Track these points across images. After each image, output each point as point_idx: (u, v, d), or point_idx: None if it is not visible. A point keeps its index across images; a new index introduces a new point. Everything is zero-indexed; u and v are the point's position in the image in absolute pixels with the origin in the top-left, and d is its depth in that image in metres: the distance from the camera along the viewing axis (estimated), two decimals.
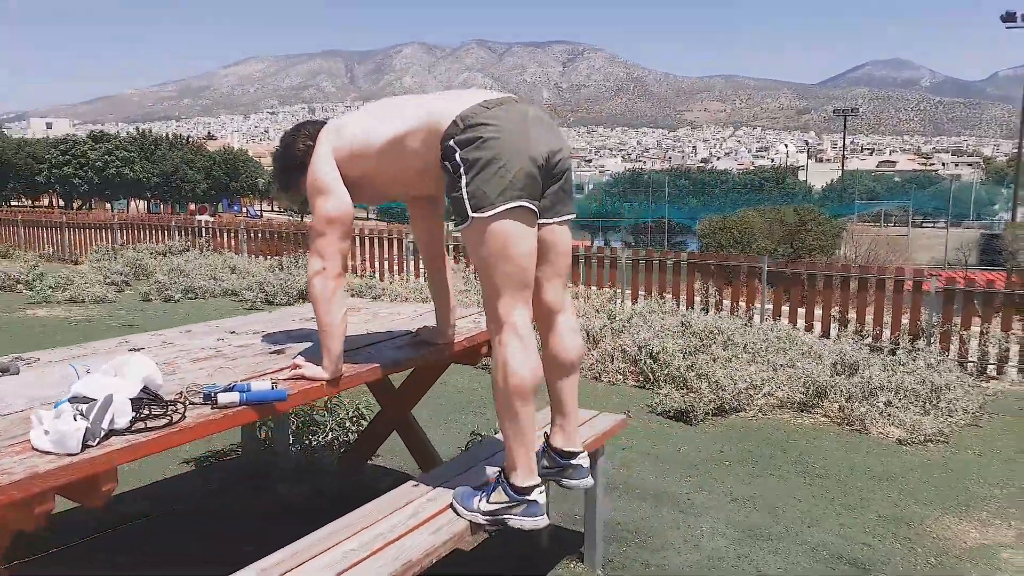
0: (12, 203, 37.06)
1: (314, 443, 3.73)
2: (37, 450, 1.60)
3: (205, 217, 20.30)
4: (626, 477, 3.70)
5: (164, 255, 13.40)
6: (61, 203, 38.80)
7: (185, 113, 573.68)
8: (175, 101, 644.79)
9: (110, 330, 6.95)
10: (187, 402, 1.91)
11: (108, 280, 9.95)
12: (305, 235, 12.09)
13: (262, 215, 45.23)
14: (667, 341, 5.87)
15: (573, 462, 2.29)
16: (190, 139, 51.48)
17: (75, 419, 1.65)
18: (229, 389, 1.97)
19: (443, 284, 2.54)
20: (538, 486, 2.08)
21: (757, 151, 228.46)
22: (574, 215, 2.21)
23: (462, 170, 1.97)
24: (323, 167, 2.18)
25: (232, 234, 14.19)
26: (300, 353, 2.34)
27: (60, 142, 40.36)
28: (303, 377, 2.16)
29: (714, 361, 5.62)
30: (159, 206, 44.17)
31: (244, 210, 48.72)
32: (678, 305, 8.39)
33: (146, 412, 1.82)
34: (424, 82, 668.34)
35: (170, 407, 1.85)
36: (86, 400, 1.75)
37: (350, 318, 2.36)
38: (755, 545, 3.05)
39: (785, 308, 7.97)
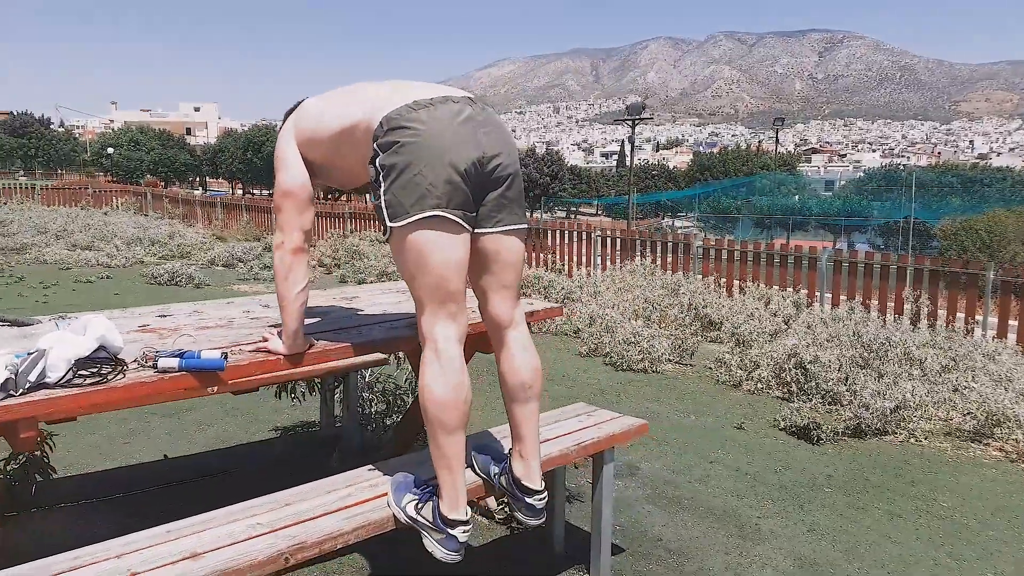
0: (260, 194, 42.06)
1: (388, 421, 3.81)
2: None
3: None
4: (696, 491, 3.36)
5: (385, 242, 14.56)
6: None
7: None
8: None
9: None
10: (125, 365, 2.00)
11: (319, 263, 10.94)
12: None
13: None
14: (825, 351, 5.26)
15: (528, 500, 2.08)
16: None
17: (6, 370, 1.80)
18: (176, 355, 2.04)
19: None
20: (463, 523, 1.92)
21: None
22: (523, 224, 2.04)
23: (380, 177, 1.89)
24: (282, 143, 2.19)
25: None
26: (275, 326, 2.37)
27: None
28: (265, 350, 2.19)
29: (879, 378, 4.94)
30: None
31: None
32: (884, 313, 7.48)
33: (86, 371, 1.94)
34: (668, 78, 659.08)
35: (107, 368, 1.96)
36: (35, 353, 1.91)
37: (369, 298, 2.34)
38: None
39: (1014, 323, 6.78)
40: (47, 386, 1.85)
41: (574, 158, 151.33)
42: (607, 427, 2.58)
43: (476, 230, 1.98)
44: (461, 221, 1.89)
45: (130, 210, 21.92)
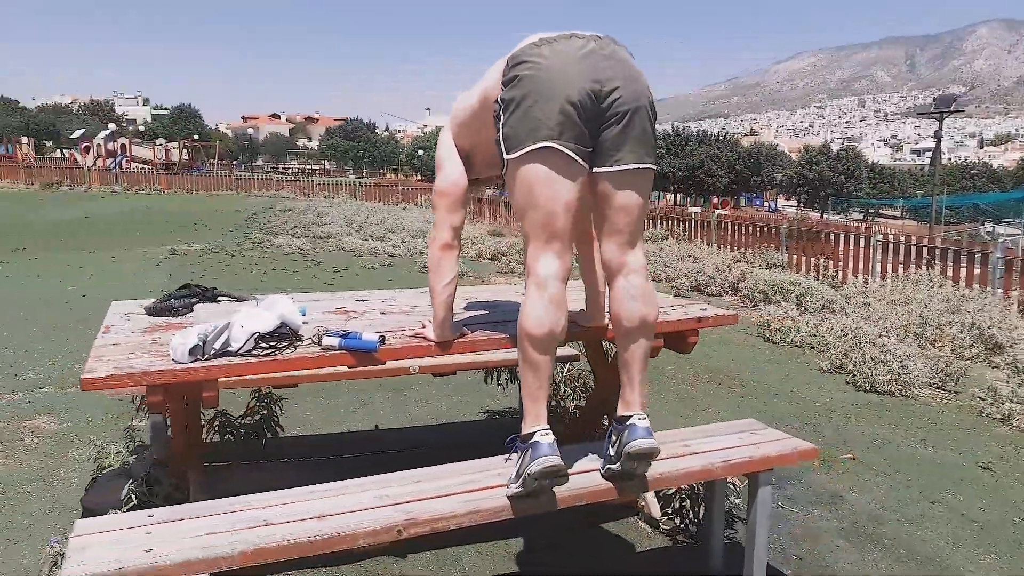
0: None
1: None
2: (172, 359, 2.13)
3: (723, 211, 21.09)
4: (903, 533, 2.96)
5: (644, 241, 14.58)
6: None
7: (734, 111, 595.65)
8: (725, 99, 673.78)
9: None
10: (300, 341, 2.27)
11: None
12: (776, 230, 11.90)
13: (772, 208, 44.80)
14: None
15: (629, 423, 2.02)
16: (726, 135, 53.41)
17: (197, 338, 2.14)
18: (341, 335, 2.27)
19: (591, 264, 2.43)
20: (541, 429, 1.94)
21: None
22: (643, 165, 1.96)
23: (500, 110, 1.93)
24: (440, 142, 2.33)
25: (706, 225, 14.63)
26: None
27: None
28: (421, 336, 2.35)
29: None
30: (685, 199, 47.09)
31: (765, 204, 48.84)
32: None
33: (266, 343, 2.23)
34: (1001, 65, 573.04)
35: (283, 342, 2.24)
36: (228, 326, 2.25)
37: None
38: None
39: None
40: (229, 354, 2.17)
41: (878, 155, 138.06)
42: (767, 448, 2.39)
43: (595, 168, 1.95)
44: (575, 155, 1.88)
45: (429, 206, 24.27)
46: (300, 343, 2.28)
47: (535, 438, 1.94)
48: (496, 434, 3.84)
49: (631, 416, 2.02)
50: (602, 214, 2.01)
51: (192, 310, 2.69)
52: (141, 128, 67.32)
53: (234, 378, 2.33)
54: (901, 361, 5.23)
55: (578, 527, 2.87)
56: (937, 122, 24.87)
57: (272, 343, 2.25)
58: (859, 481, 3.45)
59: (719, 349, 5.94)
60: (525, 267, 1.99)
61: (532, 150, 1.86)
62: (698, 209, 22.26)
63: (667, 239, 14.60)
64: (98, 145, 37.76)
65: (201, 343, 2.13)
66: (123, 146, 39.07)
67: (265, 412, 3.37)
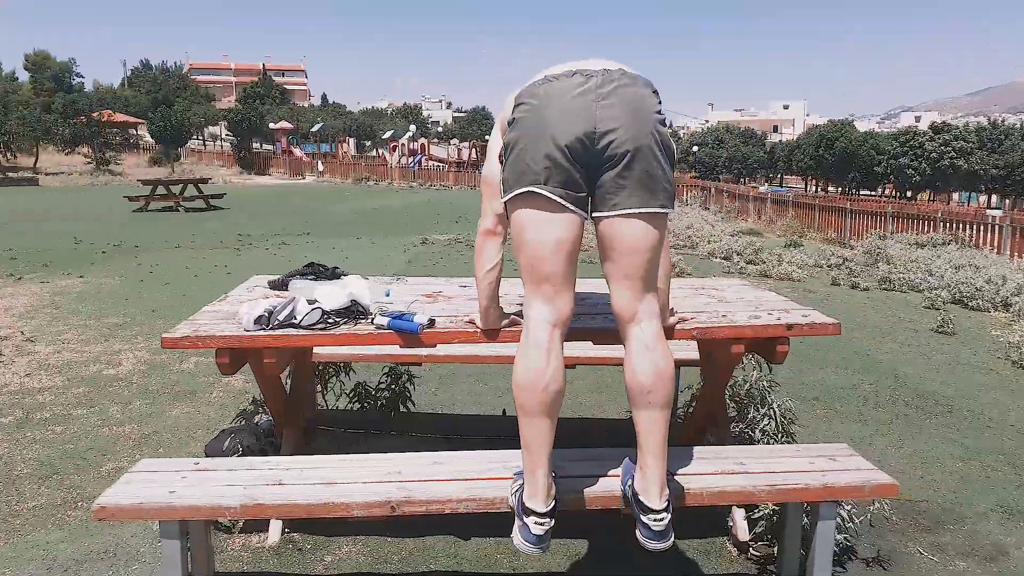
0: (849, 191, 40.13)
1: None
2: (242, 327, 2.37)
3: None
4: None
5: (922, 247, 13.07)
6: (894, 193, 39.98)
7: None
8: None
9: None
10: (365, 319, 2.40)
11: (818, 264, 10.36)
12: None
13: None
14: None
15: (643, 518, 1.85)
16: None
17: (264, 309, 2.37)
18: (395, 316, 2.38)
19: None
20: (538, 515, 1.82)
21: None
22: (646, 209, 1.82)
23: (503, 153, 1.93)
24: (492, 133, 2.32)
25: (995, 231, 12.67)
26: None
27: (901, 134, 41.46)
28: (471, 322, 2.38)
29: None
30: (1001, 201, 40.87)
31: None
32: None
33: (339, 319, 2.40)
34: None
35: (344, 319, 2.40)
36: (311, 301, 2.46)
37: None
38: None
39: None
40: (293, 326, 2.37)
41: None
42: (835, 476, 2.08)
43: (594, 213, 1.89)
44: (560, 200, 1.82)
45: (694, 203, 23.77)
46: (365, 320, 2.42)
47: (528, 520, 1.82)
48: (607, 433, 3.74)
49: (650, 510, 1.84)
50: (608, 259, 1.91)
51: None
52: (440, 129, 73.79)
53: (286, 347, 2.50)
54: None
55: None
56: None
57: (341, 319, 2.41)
58: None
59: (943, 372, 5.13)
60: (522, 313, 1.97)
61: (518, 194, 1.85)
62: (999, 212, 19.25)
63: (948, 244, 12.92)
64: (402, 145, 42.10)
65: (267, 314, 2.36)
66: (423, 145, 43.14)
67: (395, 388, 3.60)
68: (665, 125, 1.90)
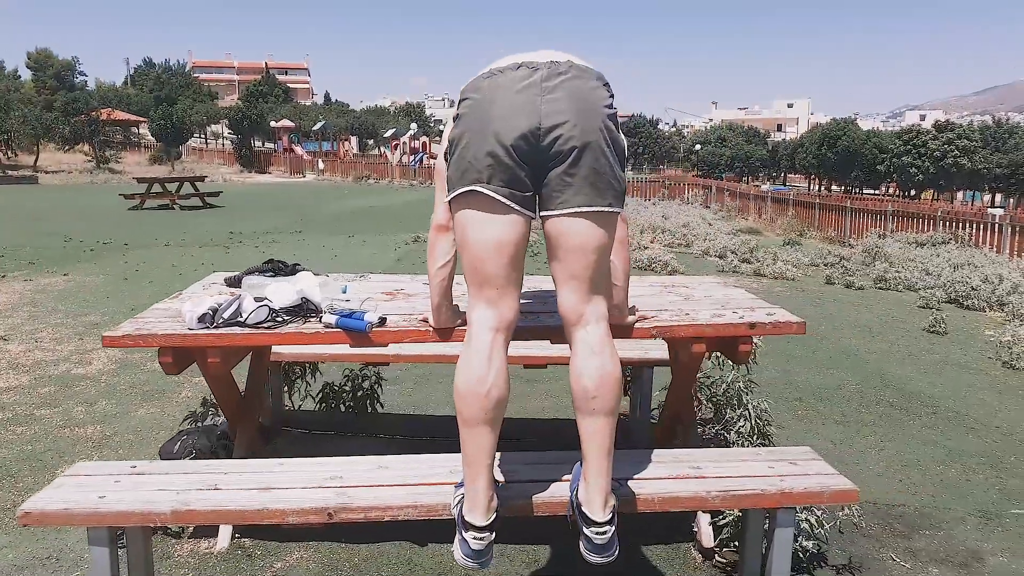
0: (851, 190, 39.97)
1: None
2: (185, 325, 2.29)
3: None
4: None
5: (921, 245, 13.00)
6: (897, 192, 39.74)
7: None
8: None
9: None
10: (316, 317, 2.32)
11: (814, 262, 10.27)
12: None
13: None
14: None
15: (585, 530, 1.76)
16: None
17: (207, 308, 2.29)
18: (344, 315, 2.29)
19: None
20: (477, 529, 1.72)
21: None
22: (593, 208, 1.73)
23: (447, 151, 1.85)
24: (446, 126, 2.23)
25: (995, 229, 12.54)
26: None
27: (904, 132, 41.24)
28: (424, 321, 2.30)
29: None
30: (1005, 200, 40.66)
31: None
32: None
33: (288, 316, 2.32)
34: None
35: (297, 317, 2.31)
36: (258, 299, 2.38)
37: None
38: None
39: None
40: (239, 324, 2.28)
41: None
42: (794, 482, 1.99)
43: (541, 212, 1.80)
44: (504, 199, 1.73)
45: (695, 202, 23.66)
46: (315, 319, 2.34)
47: (467, 535, 1.72)
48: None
49: (593, 524, 1.74)
50: (555, 259, 1.82)
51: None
52: (442, 128, 73.68)
53: (228, 346, 2.42)
54: None
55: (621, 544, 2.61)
56: None
57: (290, 317, 2.33)
58: (1019, 545, 2.73)
59: (931, 372, 5.04)
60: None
61: (460, 193, 1.76)
62: (1000, 211, 19.11)
63: (948, 243, 12.83)
64: (403, 143, 41.99)
65: (211, 312, 2.27)
66: (424, 144, 43.04)
67: (362, 388, 3.52)
68: (616, 120, 1.81)
